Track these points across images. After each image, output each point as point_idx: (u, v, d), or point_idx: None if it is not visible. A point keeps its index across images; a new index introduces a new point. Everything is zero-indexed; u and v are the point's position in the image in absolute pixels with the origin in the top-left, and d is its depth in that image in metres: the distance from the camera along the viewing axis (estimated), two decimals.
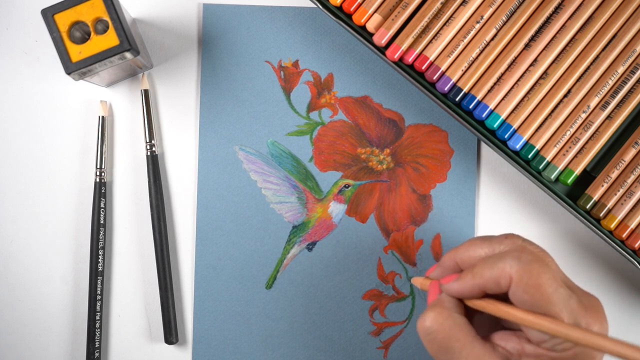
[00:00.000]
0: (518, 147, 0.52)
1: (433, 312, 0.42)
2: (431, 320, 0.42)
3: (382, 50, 0.53)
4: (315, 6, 0.57)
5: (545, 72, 0.52)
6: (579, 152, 0.52)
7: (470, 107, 0.52)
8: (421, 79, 0.52)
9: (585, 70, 0.52)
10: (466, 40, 0.52)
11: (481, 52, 0.52)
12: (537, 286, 0.39)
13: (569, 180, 0.52)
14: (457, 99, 0.52)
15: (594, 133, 0.52)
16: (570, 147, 0.52)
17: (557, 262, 0.57)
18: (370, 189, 0.57)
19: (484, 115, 0.52)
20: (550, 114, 0.52)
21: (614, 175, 0.52)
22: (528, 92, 0.52)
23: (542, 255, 0.42)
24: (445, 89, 0.52)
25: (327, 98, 0.58)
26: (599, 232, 0.52)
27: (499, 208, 0.57)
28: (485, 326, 0.44)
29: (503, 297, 0.41)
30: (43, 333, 0.57)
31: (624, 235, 0.52)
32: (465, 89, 0.52)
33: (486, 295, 0.42)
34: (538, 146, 0.52)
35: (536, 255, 0.40)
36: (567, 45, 0.52)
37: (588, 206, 0.52)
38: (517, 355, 0.41)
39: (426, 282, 0.46)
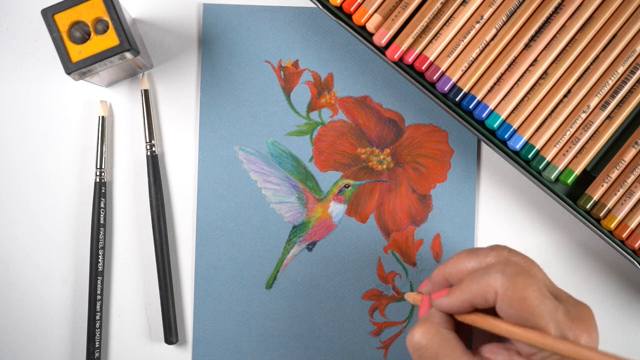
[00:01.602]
0: (518, 147, 0.52)
1: (421, 327, 0.42)
2: (419, 336, 0.42)
3: (382, 50, 0.53)
4: (315, 6, 0.57)
5: (545, 72, 0.52)
6: (579, 152, 0.52)
7: (470, 107, 0.52)
8: (421, 79, 0.52)
9: (585, 70, 0.52)
10: (466, 40, 0.52)
11: (481, 52, 0.52)
12: (522, 299, 0.39)
13: (569, 180, 0.52)
14: (457, 99, 0.52)
15: (594, 133, 0.52)
16: (570, 147, 0.52)
17: (557, 263, 0.57)
18: (370, 189, 0.57)
19: (484, 115, 0.52)
20: (550, 114, 0.52)
21: (614, 175, 0.52)
22: (528, 92, 0.52)
23: (528, 266, 0.42)
24: (445, 89, 0.52)
25: (327, 98, 0.58)
26: (599, 232, 0.52)
27: (499, 208, 0.57)
28: (485, 337, 0.44)
29: (493, 311, 0.41)
30: (43, 333, 0.57)
31: (624, 235, 0.52)
32: (465, 89, 0.52)
33: (477, 310, 0.42)
34: (538, 146, 0.52)
35: (521, 267, 0.40)
36: (567, 45, 0.52)
37: (588, 206, 0.52)
38: None
39: (418, 297, 0.46)
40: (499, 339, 0.43)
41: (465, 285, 0.41)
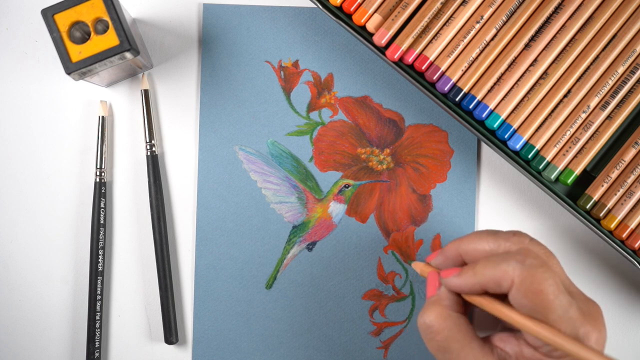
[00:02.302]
0: (518, 147, 0.52)
1: (434, 310, 0.42)
2: (432, 319, 0.42)
3: (382, 50, 0.53)
4: (315, 6, 0.57)
5: (545, 72, 0.52)
6: (579, 152, 0.52)
7: (470, 107, 0.52)
8: (421, 79, 0.52)
9: (585, 70, 0.52)
10: (466, 40, 0.52)
11: (481, 52, 0.52)
12: (537, 292, 0.39)
13: (569, 180, 0.52)
14: (457, 99, 0.52)
15: (594, 133, 0.52)
16: (570, 147, 0.52)
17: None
18: (370, 189, 0.57)
19: (484, 115, 0.52)
20: (550, 114, 0.52)
21: (614, 175, 0.52)
22: (528, 92, 0.52)
23: (547, 257, 0.42)
24: (445, 89, 0.52)
25: (327, 98, 0.58)
26: (599, 232, 0.52)
27: (499, 208, 0.57)
28: (488, 321, 0.44)
29: (503, 296, 0.41)
30: (43, 333, 0.57)
31: (624, 235, 0.52)
32: (465, 89, 0.52)
33: (486, 293, 0.42)
34: (538, 146, 0.52)
35: (541, 259, 0.40)
36: (567, 45, 0.52)
37: (588, 206, 0.52)
38: (515, 357, 0.40)
39: (426, 269, 0.45)
40: (500, 325, 0.43)
41: (480, 268, 0.40)
